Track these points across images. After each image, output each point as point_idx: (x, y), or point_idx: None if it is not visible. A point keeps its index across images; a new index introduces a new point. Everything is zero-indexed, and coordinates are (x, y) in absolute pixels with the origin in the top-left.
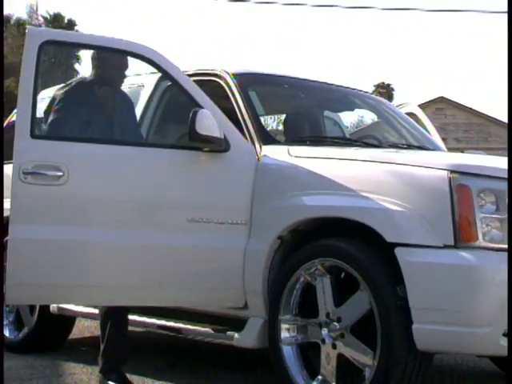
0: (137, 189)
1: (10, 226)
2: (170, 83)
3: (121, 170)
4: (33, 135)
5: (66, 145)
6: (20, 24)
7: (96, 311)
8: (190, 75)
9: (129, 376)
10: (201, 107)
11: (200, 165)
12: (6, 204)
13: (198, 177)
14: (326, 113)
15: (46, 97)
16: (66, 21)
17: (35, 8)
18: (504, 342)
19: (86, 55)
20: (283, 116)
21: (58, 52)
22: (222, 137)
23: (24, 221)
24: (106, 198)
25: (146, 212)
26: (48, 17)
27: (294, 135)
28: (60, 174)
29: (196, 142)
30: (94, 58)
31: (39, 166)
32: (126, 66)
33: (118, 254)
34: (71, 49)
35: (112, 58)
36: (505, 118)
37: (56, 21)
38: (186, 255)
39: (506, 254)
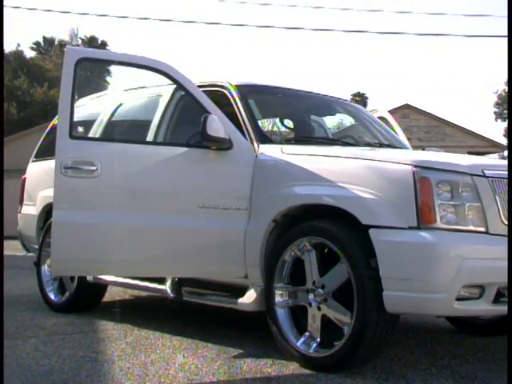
0: (157, 180)
1: (53, 211)
2: (183, 93)
3: (144, 165)
4: (71, 136)
5: (98, 144)
6: (62, 44)
7: (123, 280)
8: (200, 86)
9: (150, 333)
10: (209, 113)
11: (209, 161)
12: (50, 192)
13: (207, 171)
14: (313, 117)
15: (82, 104)
16: (99, 42)
17: (76, 32)
18: (457, 305)
19: (116, 69)
20: (277, 120)
21: (93, 67)
22: (227, 137)
23: (65, 207)
24: (133, 189)
25: (164, 199)
26: (85, 39)
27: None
28: (94, 168)
29: (206, 141)
30: None
31: (77, 162)
32: None
33: (141, 234)
34: (103, 64)
35: None
36: (457, 121)
37: (91, 42)
38: (197, 235)
39: (459, 234)
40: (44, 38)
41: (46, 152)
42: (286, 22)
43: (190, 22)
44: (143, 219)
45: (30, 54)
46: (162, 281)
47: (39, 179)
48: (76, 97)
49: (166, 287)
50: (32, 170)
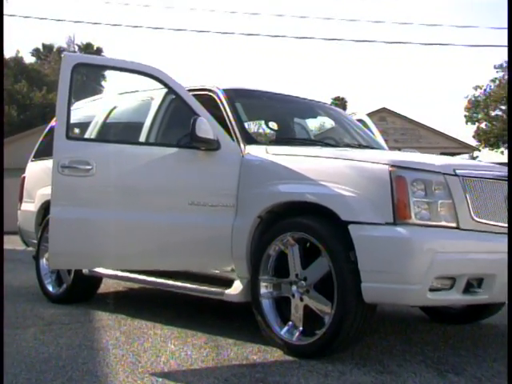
0: (149, 179)
1: (50, 207)
2: (174, 97)
3: (137, 165)
4: (68, 137)
5: (94, 144)
6: (61, 51)
7: (117, 273)
8: (190, 90)
9: (143, 323)
10: (198, 115)
11: (198, 160)
12: (48, 190)
13: (196, 170)
14: (296, 119)
15: (79, 107)
16: (95, 48)
17: (73, 39)
18: (430, 295)
19: (110, 74)
20: (263, 122)
21: (89, 72)
22: (215, 138)
23: (61, 204)
24: (126, 187)
25: (156, 197)
26: (81, 45)
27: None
28: (89, 167)
29: (196, 142)
30: None
31: (73, 161)
32: None
33: (134, 230)
34: (98, 69)
35: None
36: (431, 124)
37: (87, 48)
38: (187, 230)
39: (432, 229)
40: (43, 44)
41: (45, 152)
42: (272, 31)
43: (181, 30)
44: (136, 215)
45: (29, 59)
46: (156, 274)
47: (38, 178)
48: (73, 100)
49: None
50: (31, 169)
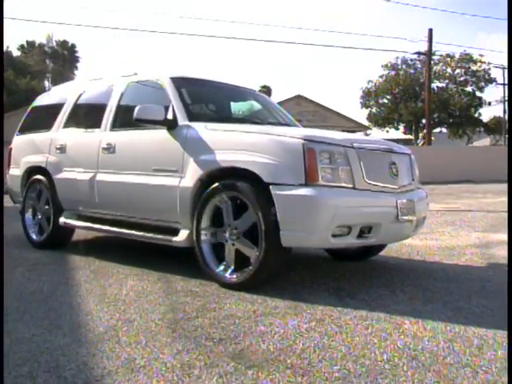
0: (127, 152)
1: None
2: (133, 82)
3: (127, 142)
4: None
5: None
6: (41, 46)
7: (86, 224)
8: (146, 80)
9: (107, 263)
10: (170, 101)
11: (160, 137)
12: (30, 158)
13: (158, 144)
14: (230, 102)
15: (55, 92)
16: (69, 45)
17: (51, 36)
18: (332, 240)
19: (81, 66)
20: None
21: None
22: (173, 118)
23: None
24: (118, 157)
25: (131, 164)
26: (58, 42)
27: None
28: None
29: (140, 123)
30: None
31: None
32: None
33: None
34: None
35: None
36: (335, 108)
37: (63, 44)
38: (150, 189)
39: (334, 189)
40: (27, 41)
41: (27, 128)
42: (225, 33)
43: (153, 31)
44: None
45: (16, 53)
46: (119, 225)
47: (22, 149)
48: (50, 85)
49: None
50: (17, 141)
